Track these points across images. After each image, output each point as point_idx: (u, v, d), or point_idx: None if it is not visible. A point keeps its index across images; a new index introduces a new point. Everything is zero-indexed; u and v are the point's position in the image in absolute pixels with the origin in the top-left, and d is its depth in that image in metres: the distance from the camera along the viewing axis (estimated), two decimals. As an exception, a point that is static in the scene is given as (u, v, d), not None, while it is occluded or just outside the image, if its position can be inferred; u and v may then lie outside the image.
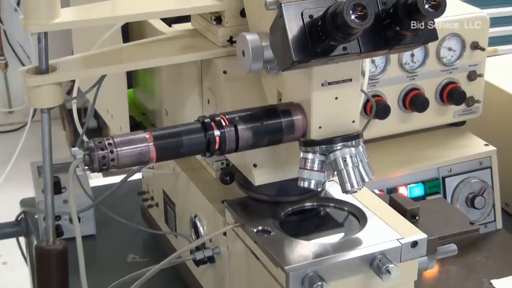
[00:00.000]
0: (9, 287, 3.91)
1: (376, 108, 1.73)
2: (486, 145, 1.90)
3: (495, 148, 1.88)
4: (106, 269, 1.83)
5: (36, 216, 1.99)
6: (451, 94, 1.85)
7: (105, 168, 1.27)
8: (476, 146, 1.90)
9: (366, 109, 1.78)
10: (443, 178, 1.83)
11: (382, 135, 1.86)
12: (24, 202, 2.15)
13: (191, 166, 1.71)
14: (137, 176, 2.06)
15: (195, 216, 1.64)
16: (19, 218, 2.12)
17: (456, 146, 1.90)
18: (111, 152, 1.27)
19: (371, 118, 1.73)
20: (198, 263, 1.59)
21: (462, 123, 1.96)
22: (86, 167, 1.27)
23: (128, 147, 1.28)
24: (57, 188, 1.92)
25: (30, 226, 2.07)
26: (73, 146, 2.44)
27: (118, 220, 1.88)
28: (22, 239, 2.23)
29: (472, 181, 1.85)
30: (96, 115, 4.76)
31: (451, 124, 1.96)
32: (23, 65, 4.99)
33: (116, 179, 1.93)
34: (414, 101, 1.82)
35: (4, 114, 5.74)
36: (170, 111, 1.73)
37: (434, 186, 1.82)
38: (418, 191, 1.80)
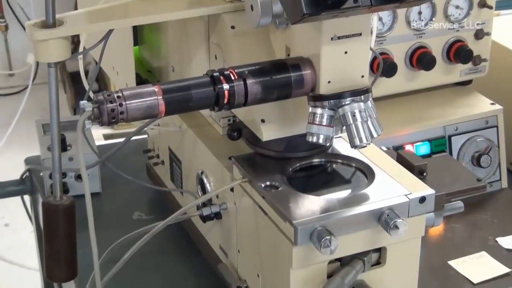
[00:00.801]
0: (11, 248, 3.92)
1: (383, 66, 1.73)
2: (492, 104, 1.89)
3: (501, 107, 1.88)
4: (111, 226, 1.83)
5: (41, 174, 1.99)
6: (458, 53, 1.85)
7: (114, 121, 1.27)
8: (482, 105, 1.90)
9: (373, 67, 1.77)
10: (449, 137, 1.83)
11: (388, 93, 1.86)
12: (28, 160, 2.15)
13: (198, 123, 1.70)
14: (143, 134, 2.06)
15: (202, 173, 1.64)
16: (23, 177, 2.12)
17: (462, 105, 1.90)
18: (120, 105, 1.26)
19: (378, 76, 1.73)
20: (205, 219, 1.59)
21: (469, 82, 1.96)
22: (95, 121, 1.27)
23: (137, 100, 1.27)
24: (63, 145, 1.92)
25: (35, 184, 2.07)
26: (75, 110, 2.44)
27: (123, 179, 1.88)
28: (26, 199, 2.24)
29: (478, 139, 1.85)
30: (97, 78, 4.75)
31: (457, 83, 1.96)
32: (24, 27, 4.98)
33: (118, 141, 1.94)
34: (421, 59, 1.82)
35: (5, 77, 5.73)
36: (176, 67, 1.72)
37: (440, 144, 1.82)
38: (424, 149, 1.80)
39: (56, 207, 1.41)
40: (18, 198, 2.27)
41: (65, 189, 1.91)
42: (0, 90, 5.71)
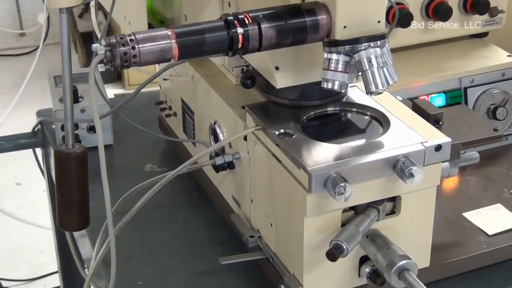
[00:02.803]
0: (24, 207, 3.93)
1: (398, 15, 1.71)
2: (509, 56, 1.87)
3: (518, 59, 1.86)
4: (123, 178, 1.82)
5: (53, 126, 1.98)
6: (475, 4, 1.82)
7: (126, 65, 1.25)
8: (499, 57, 1.87)
9: (388, 16, 1.74)
10: (465, 89, 1.81)
11: (404, 44, 1.83)
12: (40, 113, 2.14)
13: (211, 72, 1.69)
14: (155, 87, 2.05)
15: (215, 123, 1.62)
16: (35, 129, 2.11)
17: (478, 57, 1.87)
18: (133, 48, 1.24)
19: (393, 26, 1.69)
20: (217, 169, 1.58)
21: (485, 34, 1.93)
22: (108, 64, 1.25)
23: (150, 44, 1.26)
24: (75, 97, 1.91)
25: (47, 136, 2.07)
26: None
27: (135, 131, 1.87)
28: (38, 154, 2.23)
29: (494, 92, 1.82)
30: (108, 33, 4.73)
31: (473, 36, 1.93)
32: (35, -14, 4.96)
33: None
34: (437, 9, 1.79)
35: (16, 37, 5.72)
36: (189, 16, 1.70)
37: (455, 96, 1.79)
38: (440, 101, 1.78)
39: (68, 155, 1.40)
40: (30, 158, 2.26)
41: (77, 141, 1.90)
42: (11, 50, 5.71)
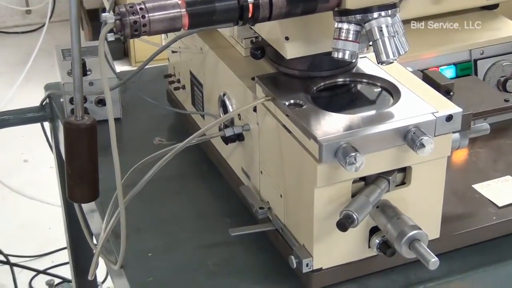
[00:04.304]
0: (31, 184, 3.94)
1: (409, -14, 1.69)
2: (519, 28, 1.86)
3: (529, 31, 1.84)
4: (132, 151, 1.81)
5: (61, 100, 1.97)
6: (486, -25, 1.81)
7: (136, 34, 1.24)
8: (509, 29, 1.85)
9: (398, -12, 1.73)
10: (475, 61, 1.79)
11: (413, 16, 1.82)
12: (48, 87, 2.14)
13: (220, 44, 1.68)
14: (163, 62, 2.05)
15: (224, 95, 1.62)
16: (44, 103, 2.10)
17: (488, 29, 1.85)
18: (143, 17, 1.24)
19: (403, -3, 1.69)
20: (227, 140, 1.57)
21: (495, 6, 1.91)
22: (117, 33, 1.25)
23: (160, 13, 1.25)
24: (83, 70, 1.90)
25: (56, 110, 2.06)
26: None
27: (144, 105, 1.87)
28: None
29: (504, 64, 1.81)
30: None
31: (484, 8, 1.91)
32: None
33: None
34: (448, -20, 1.78)
35: (22, 14, 5.71)
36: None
37: (465, 68, 1.78)
38: (450, 73, 1.77)
39: (77, 126, 1.39)
40: (36, 135, 2.26)
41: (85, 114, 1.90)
42: (17, 28, 5.70)
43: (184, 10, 1.26)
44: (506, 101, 1.52)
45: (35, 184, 3.93)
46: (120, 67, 4.69)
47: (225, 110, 1.62)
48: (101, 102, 1.93)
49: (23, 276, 3.28)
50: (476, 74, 1.79)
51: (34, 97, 2.34)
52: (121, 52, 4.91)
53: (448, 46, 1.78)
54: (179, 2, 1.26)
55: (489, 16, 1.90)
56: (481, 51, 1.80)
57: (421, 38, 1.79)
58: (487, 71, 1.81)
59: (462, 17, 1.87)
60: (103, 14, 1.24)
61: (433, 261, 1.29)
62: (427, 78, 1.51)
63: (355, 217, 1.30)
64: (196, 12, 1.27)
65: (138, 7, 1.24)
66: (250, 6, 1.29)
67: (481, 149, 1.75)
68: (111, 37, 1.25)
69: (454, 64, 1.78)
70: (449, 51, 1.78)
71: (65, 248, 2.85)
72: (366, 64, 1.52)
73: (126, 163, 1.51)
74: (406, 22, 1.77)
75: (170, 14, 1.25)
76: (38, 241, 3.53)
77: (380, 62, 1.32)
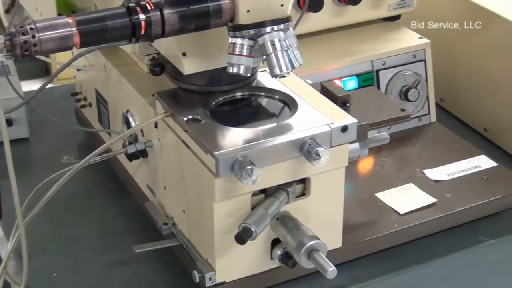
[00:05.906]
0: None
1: (309, 0, 1.71)
2: (420, 38, 1.89)
3: (429, 41, 1.88)
4: (40, 170, 1.79)
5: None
6: (383, -14, 1.84)
7: (27, 53, 1.24)
8: (410, 39, 1.89)
9: (299, 2, 1.76)
10: (377, 71, 1.83)
11: (315, 29, 1.85)
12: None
13: (123, 62, 1.68)
14: (71, 80, 2.04)
15: (127, 111, 1.62)
16: None
17: (390, 39, 1.89)
18: (33, 37, 1.23)
19: (305, 11, 1.72)
20: (130, 157, 1.57)
21: (397, 17, 1.95)
22: (8, 54, 1.24)
23: (50, 32, 1.24)
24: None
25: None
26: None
27: (52, 124, 1.86)
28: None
29: (406, 73, 1.85)
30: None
31: (385, 19, 1.95)
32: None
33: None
34: (347, -7, 1.81)
35: None
36: (99, 5, 1.69)
37: (368, 79, 1.81)
38: (352, 84, 1.79)
39: None
40: None
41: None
42: None
43: (75, 29, 1.26)
44: (402, 110, 1.55)
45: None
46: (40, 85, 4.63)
47: (129, 127, 1.62)
48: (7, 122, 1.90)
49: None
50: (378, 84, 1.82)
51: None
52: (42, 70, 4.86)
53: (351, 57, 1.82)
54: (70, 21, 1.26)
55: (391, 27, 1.94)
56: (383, 62, 1.83)
57: (324, 50, 1.83)
58: (389, 81, 1.84)
59: (364, 29, 1.92)
60: (-8, 36, 1.23)
61: (331, 271, 1.31)
62: (325, 90, 1.53)
63: (253, 229, 1.31)
64: (87, 30, 1.27)
65: (28, 27, 1.24)
66: (142, 23, 1.29)
67: (386, 158, 1.78)
68: (1, 57, 1.24)
69: (357, 75, 1.81)
70: (351, 62, 1.81)
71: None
72: (266, 77, 1.53)
73: (33, 182, 1.51)
74: (309, 35, 1.81)
75: (60, 33, 1.25)
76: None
77: (273, 75, 1.33)
